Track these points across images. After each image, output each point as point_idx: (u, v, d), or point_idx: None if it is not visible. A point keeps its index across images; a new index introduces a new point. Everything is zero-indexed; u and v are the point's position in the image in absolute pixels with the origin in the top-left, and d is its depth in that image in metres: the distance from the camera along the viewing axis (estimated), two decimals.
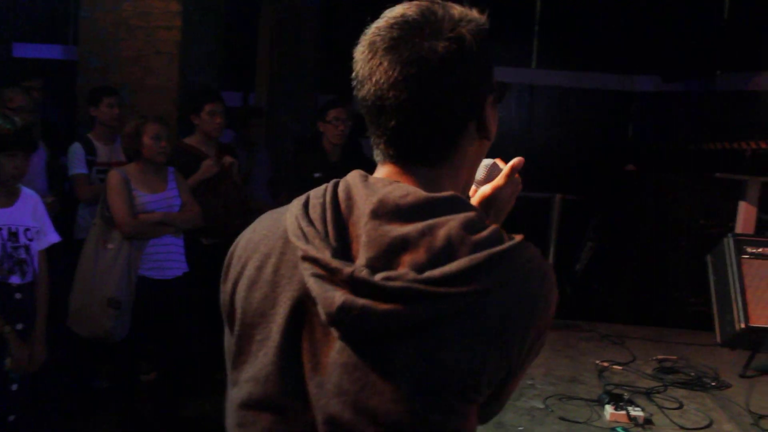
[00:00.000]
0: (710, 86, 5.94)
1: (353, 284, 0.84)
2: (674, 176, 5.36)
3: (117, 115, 4.13)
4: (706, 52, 5.94)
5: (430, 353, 0.85)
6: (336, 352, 0.88)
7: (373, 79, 0.92)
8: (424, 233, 0.86)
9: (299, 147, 4.44)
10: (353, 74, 0.96)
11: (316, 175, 3.68)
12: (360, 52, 0.95)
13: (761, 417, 2.44)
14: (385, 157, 0.98)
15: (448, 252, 0.85)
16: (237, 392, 0.97)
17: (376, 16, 0.96)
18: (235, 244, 1.04)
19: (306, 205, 0.94)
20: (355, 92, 0.96)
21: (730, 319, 3.47)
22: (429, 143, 0.94)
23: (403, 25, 0.91)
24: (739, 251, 3.58)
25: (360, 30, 0.97)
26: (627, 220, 5.67)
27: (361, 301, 0.83)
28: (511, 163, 1.17)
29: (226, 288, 1.02)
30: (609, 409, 2.36)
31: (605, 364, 3.02)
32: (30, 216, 2.88)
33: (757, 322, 3.26)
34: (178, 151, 3.70)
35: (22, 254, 2.82)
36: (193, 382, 3.81)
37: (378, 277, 0.84)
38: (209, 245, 3.79)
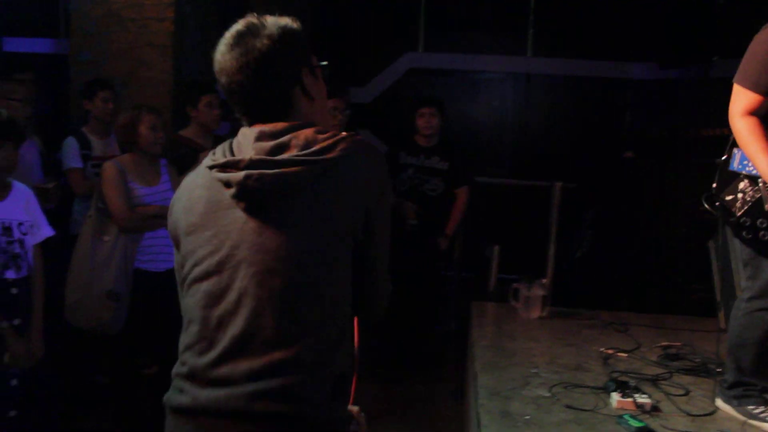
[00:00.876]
0: (707, 72, 5.90)
1: (251, 165, 1.32)
2: (673, 163, 5.33)
3: (111, 110, 4.08)
4: (702, 39, 5.91)
5: (313, 202, 1.32)
6: (243, 222, 1.34)
7: (225, 70, 1.41)
8: (291, 138, 1.36)
9: None
10: (215, 70, 1.43)
11: None
12: (217, 53, 1.42)
13: None
14: (248, 124, 1.43)
15: (309, 144, 1.34)
16: (186, 282, 1.41)
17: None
18: (174, 196, 1.50)
19: (215, 151, 1.43)
20: (217, 83, 1.43)
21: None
22: (269, 106, 1.42)
23: (236, 35, 1.41)
24: None
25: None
26: (627, 208, 5.64)
27: (258, 171, 1.31)
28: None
29: (170, 222, 1.49)
30: (616, 397, 2.34)
31: (610, 351, 3.00)
32: (23, 210, 2.83)
33: None
34: (175, 143, 3.65)
35: (17, 249, 2.77)
36: None
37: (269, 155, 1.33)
38: None
